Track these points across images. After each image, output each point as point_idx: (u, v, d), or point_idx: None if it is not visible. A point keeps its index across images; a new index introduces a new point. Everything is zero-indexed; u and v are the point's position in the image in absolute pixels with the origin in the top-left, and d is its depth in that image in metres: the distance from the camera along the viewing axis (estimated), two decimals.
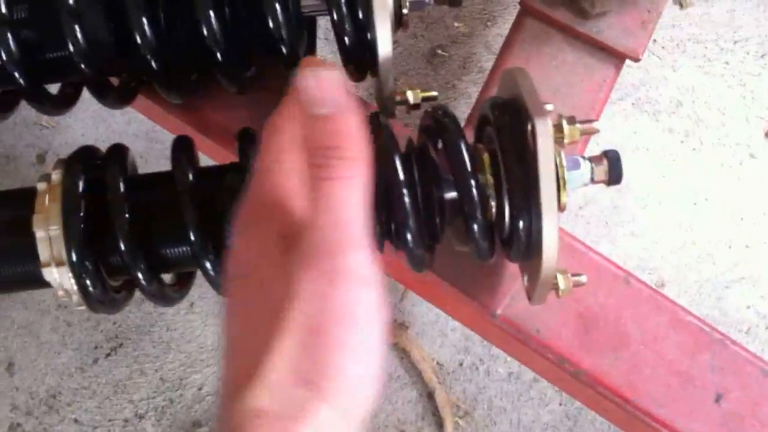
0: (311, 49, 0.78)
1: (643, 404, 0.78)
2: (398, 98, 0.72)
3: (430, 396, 1.22)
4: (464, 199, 0.62)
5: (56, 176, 0.65)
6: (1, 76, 0.68)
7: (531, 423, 1.22)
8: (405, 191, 0.61)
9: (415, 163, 0.64)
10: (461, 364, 1.24)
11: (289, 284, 0.47)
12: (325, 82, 0.51)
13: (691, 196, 1.36)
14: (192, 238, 0.62)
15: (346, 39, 0.69)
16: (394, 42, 0.73)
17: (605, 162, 0.66)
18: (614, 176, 0.66)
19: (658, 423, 0.77)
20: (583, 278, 0.69)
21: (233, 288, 0.51)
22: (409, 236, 0.62)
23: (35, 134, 1.25)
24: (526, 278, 0.70)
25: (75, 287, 0.63)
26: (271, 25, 0.67)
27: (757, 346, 1.27)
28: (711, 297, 1.29)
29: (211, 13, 0.65)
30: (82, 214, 0.62)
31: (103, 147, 0.68)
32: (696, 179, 1.37)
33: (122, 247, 0.62)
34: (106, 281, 0.65)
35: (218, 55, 0.67)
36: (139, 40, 0.66)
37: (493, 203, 0.64)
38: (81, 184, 0.63)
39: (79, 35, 0.66)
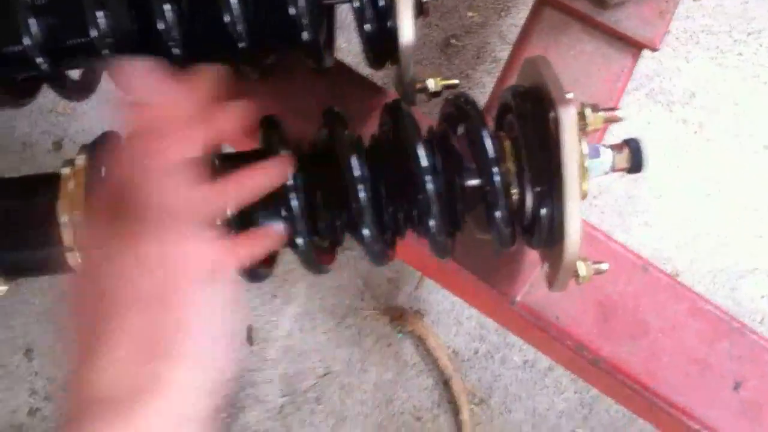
0: (330, 37, 0.78)
1: (662, 392, 0.78)
2: (419, 86, 0.72)
3: (445, 383, 1.23)
4: (487, 187, 0.62)
5: (80, 161, 0.65)
6: (24, 61, 0.69)
7: (546, 411, 1.23)
8: (429, 178, 0.61)
9: (437, 151, 0.65)
10: (476, 352, 1.25)
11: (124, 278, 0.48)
12: (136, 72, 0.55)
13: (704, 187, 1.36)
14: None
15: (368, 26, 0.69)
16: None
17: (626, 150, 0.66)
18: (636, 164, 0.66)
19: (676, 410, 0.78)
20: (604, 266, 0.69)
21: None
22: (432, 223, 0.62)
23: (51, 121, 1.26)
24: (546, 265, 0.70)
25: None
26: (293, 12, 0.67)
27: None
28: (725, 287, 1.30)
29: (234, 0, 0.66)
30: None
31: (120, 134, 0.69)
32: (709, 170, 1.37)
33: None
34: None
35: (240, 42, 0.68)
36: (161, 27, 0.66)
37: (514, 191, 0.64)
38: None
39: (101, 21, 0.66)
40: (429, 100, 0.73)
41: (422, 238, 0.67)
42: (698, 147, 1.38)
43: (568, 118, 0.57)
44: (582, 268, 0.66)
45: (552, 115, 0.59)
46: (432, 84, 0.72)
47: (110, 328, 0.47)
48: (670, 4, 0.84)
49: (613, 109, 0.61)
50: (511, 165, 0.64)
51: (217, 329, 0.49)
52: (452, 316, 1.26)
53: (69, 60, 0.71)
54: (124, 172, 0.53)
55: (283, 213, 0.63)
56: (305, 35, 0.68)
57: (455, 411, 1.22)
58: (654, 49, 0.84)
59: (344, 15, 0.74)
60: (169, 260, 0.49)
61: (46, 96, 0.72)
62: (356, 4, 0.68)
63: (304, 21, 0.67)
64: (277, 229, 0.62)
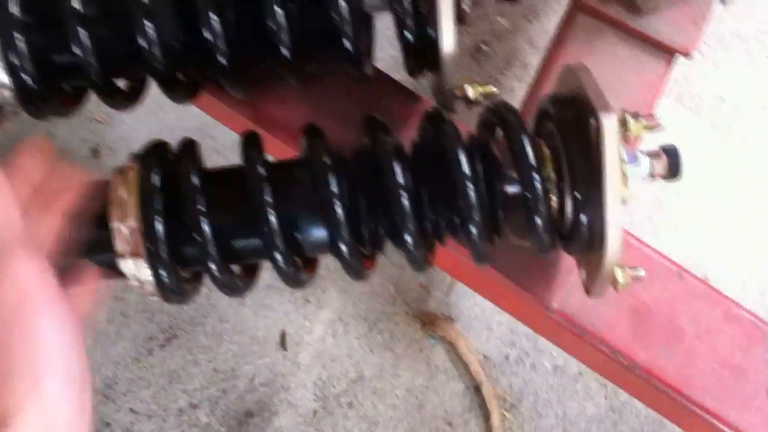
0: (369, 46, 0.79)
1: (696, 397, 0.78)
2: (458, 93, 0.73)
3: (476, 389, 1.24)
4: (528, 194, 0.62)
5: (132, 170, 0.67)
6: (75, 70, 0.70)
7: (576, 416, 1.23)
8: (470, 185, 0.62)
9: (477, 158, 0.66)
10: (507, 358, 1.26)
11: None
12: None
13: (734, 192, 1.36)
14: (264, 230, 0.64)
15: (408, 35, 0.70)
16: None
17: (664, 157, 0.67)
18: (673, 171, 0.67)
19: (710, 415, 0.78)
20: (641, 272, 0.69)
21: None
22: (474, 230, 0.63)
23: (89, 129, 1.28)
24: (584, 272, 0.71)
25: (150, 278, 0.65)
26: (336, 21, 0.68)
27: None
28: (755, 293, 1.30)
29: (279, 9, 0.67)
30: (158, 207, 0.64)
31: None
32: (738, 175, 1.37)
33: (198, 238, 0.64)
34: (179, 272, 0.66)
35: (284, 50, 0.69)
36: (209, 37, 0.68)
37: (553, 197, 0.65)
38: (157, 178, 0.65)
39: (150, 32, 0.68)
40: (468, 107, 0.74)
41: (462, 245, 0.68)
42: (727, 152, 1.39)
43: (610, 125, 0.58)
44: (620, 275, 0.67)
45: (593, 122, 0.60)
46: (471, 92, 0.73)
47: None
48: (703, 11, 0.85)
49: (653, 116, 0.62)
50: (550, 172, 0.65)
51: (62, 370, 0.49)
52: (483, 321, 1.27)
53: (119, 69, 0.73)
54: None
55: (328, 220, 0.64)
56: (347, 44, 0.70)
57: (486, 416, 1.23)
58: (687, 55, 0.85)
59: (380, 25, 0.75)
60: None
61: (84, 104, 0.74)
62: (397, 12, 0.69)
63: (347, 30, 0.69)
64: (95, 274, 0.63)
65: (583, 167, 0.62)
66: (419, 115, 0.83)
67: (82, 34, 0.68)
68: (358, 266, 0.67)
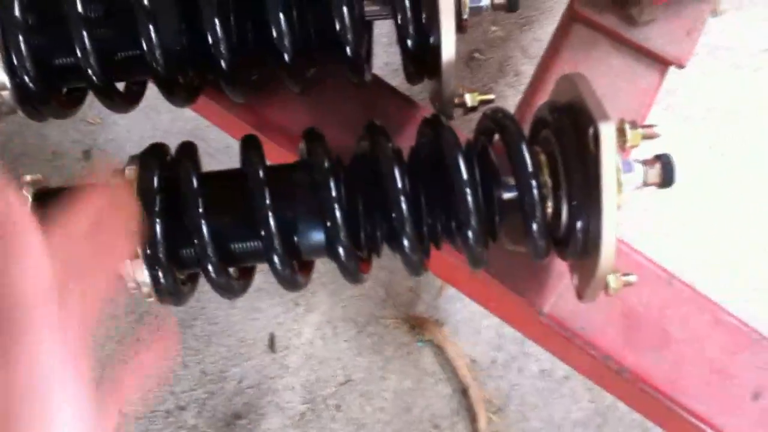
0: (369, 52, 0.80)
1: (683, 401, 0.80)
2: (457, 101, 0.74)
3: (464, 392, 1.25)
4: (525, 199, 0.64)
5: (130, 172, 0.67)
6: (75, 72, 0.71)
7: (562, 419, 1.25)
8: (469, 191, 0.64)
9: (475, 164, 0.67)
10: (494, 361, 1.27)
11: None
12: None
13: (721, 202, 1.38)
14: (262, 233, 0.64)
15: (409, 42, 0.71)
16: None
17: (658, 165, 0.68)
18: (667, 179, 0.68)
19: (697, 419, 0.80)
20: (633, 278, 0.71)
21: None
22: (471, 234, 0.64)
23: (81, 131, 1.28)
24: (576, 277, 0.72)
25: (148, 280, 0.65)
26: (338, 27, 0.69)
27: None
28: (741, 300, 1.31)
29: (281, 15, 0.68)
30: (157, 209, 0.64)
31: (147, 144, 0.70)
32: (725, 184, 1.39)
33: (196, 240, 0.64)
34: (176, 274, 0.67)
35: (285, 55, 0.70)
36: (211, 41, 0.68)
37: (549, 204, 0.66)
38: (156, 180, 0.66)
39: (153, 35, 0.68)
40: (466, 114, 0.75)
41: (458, 249, 0.69)
42: (714, 161, 1.41)
43: (607, 133, 0.60)
44: (612, 280, 0.68)
45: (591, 130, 0.61)
46: (469, 99, 0.74)
47: None
48: (697, 23, 0.87)
49: (651, 126, 0.63)
50: (546, 178, 0.66)
51: None
52: (471, 325, 1.28)
53: (120, 72, 0.73)
54: None
55: (327, 224, 0.65)
56: (349, 50, 0.70)
57: (473, 419, 1.24)
58: (681, 67, 0.87)
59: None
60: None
61: None
62: (399, 19, 0.70)
63: (349, 36, 0.69)
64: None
65: (579, 174, 0.63)
66: (416, 121, 0.84)
67: (85, 36, 0.68)
68: (355, 270, 0.68)
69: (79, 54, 0.69)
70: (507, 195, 0.67)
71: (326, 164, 0.66)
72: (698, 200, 1.38)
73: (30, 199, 0.68)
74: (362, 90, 0.81)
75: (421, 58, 0.72)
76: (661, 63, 0.87)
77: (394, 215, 0.64)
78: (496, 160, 0.68)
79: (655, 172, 0.68)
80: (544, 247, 0.66)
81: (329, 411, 1.23)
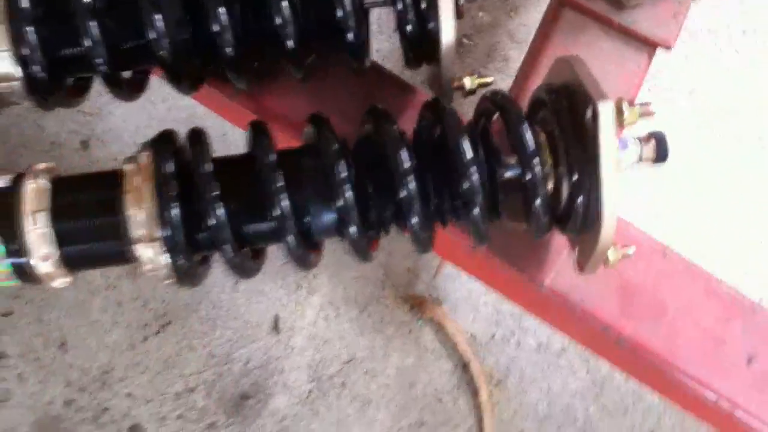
0: (367, 39, 0.82)
1: (681, 367, 0.83)
2: (456, 84, 0.76)
3: (464, 367, 1.29)
4: (528, 177, 0.66)
5: (145, 158, 0.69)
6: (83, 62, 0.72)
7: (560, 390, 1.29)
8: (473, 170, 0.66)
9: (478, 144, 0.69)
10: (493, 337, 1.31)
11: None
12: None
13: (704, 181, 1.42)
14: (276, 214, 0.67)
15: (409, 28, 0.73)
16: None
17: (652, 142, 0.71)
18: (661, 155, 0.71)
19: (694, 383, 0.83)
20: (630, 250, 0.74)
21: None
22: (476, 212, 0.67)
23: (78, 121, 1.30)
24: (577, 251, 0.75)
25: (166, 262, 0.67)
26: (339, 14, 0.71)
27: None
28: (734, 275, 1.35)
29: (285, 2, 0.70)
30: (173, 193, 0.66)
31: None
32: (707, 161, 1.43)
33: (213, 223, 0.66)
34: (192, 256, 0.69)
35: (289, 42, 0.71)
36: (217, 29, 0.70)
37: (550, 181, 0.69)
38: (171, 165, 0.67)
39: (158, 24, 0.70)
40: (465, 97, 0.77)
41: (462, 228, 0.72)
42: (698, 140, 1.44)
43: (606, 111, 0.62)
44: (611, 253, 0.71)
45: (590, 109, 0.63)
46: (468, 82, 0.76)
47: None
48: (683, 6, 0.90)
49: (647, 104, 0.66)
50: (547, 157, 0.68)
51: None
52: (469, 302, 1.32)
53: (127, 61, 0.75)
54: None
55: (338, 204, 0.67)
56: (351, 37, 0.72)
57: (474, 392, 1.28)
58: (668, 48, 0.89)
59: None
60: None
61: None
62: (399, 6, 0.72)
63: (351, 23, 0.72)
64: None
65: (579, 152, 0.66)
66: (413, 104, 0.87)
67: (93, 26, 0.70)
68: (365, 248, 0.70)
69: (89, 44, 0.70)
70: (509, 174, 0.69)
71: (335, 147, 0.68)
72: (683, 179, 1.41)
73: (50, 186, 0.69)
74: (360, 77, 0.83)
75: (421, 43, 0.74)
76: (649, 45, 0.90)
77: (403, 195, 0.66)
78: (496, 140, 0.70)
79: (650, 148, 0.71)
80: (547, 223, 0.69)
81: (335, 389, 1.27)
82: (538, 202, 0.67)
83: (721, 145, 1.45)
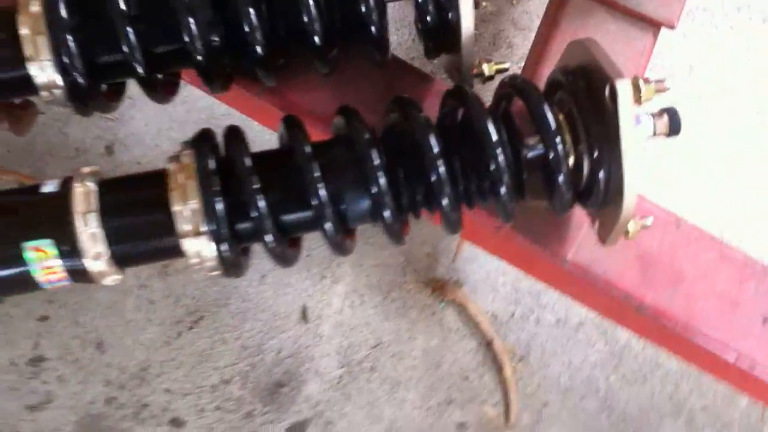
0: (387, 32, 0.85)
1: (700, 330, 0.87)
2: (475, 71, 0.80)
3: (488, 345, 1.33)
4: (551, 155, 0.70)
5: (186, 156, 0.72)
6: (121, 67, 0.76)
7: (581, 363, 1.34)
8: (500, 151, 0.70)
9: (502, 126, 0.73)
10: (513, 315, 1.35)
11: None
12: None
13: (705, 159, 1.46)
14: (315, 203, 0.70)
15: (429, 19, 0.77)
16: None
17: (665, 117, 0.75)
18: (674, 128, 0.75)
19: (714, 346, 0.87)
20: (648, 221, 0.78)
21: None
22: (505, 191, 0.71)
23: (101, 127, 1.33)
24: (597, 224, 0.78)
25: (212, 254, 0.71)
26: (363, 9, 0.75)
27: None
28: (736, 241, 1.39)
29: (312, 1, 0.73)
30: (216, 188, 0.70)
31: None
32: (708, 136, 1.47)
33: (255, 214, 0.70)
34: (237, 247, 0.73)
35: (316, 38, 0.75)
36: (247, 29, 0.73)
37: (570, 159, 0.72)
38: (212, 161, 0.71)
39: (193, 27, 0.73)
40: (484, 83, 0.81)
41: (488, 209, 0.75)
42: (697, 119, 1.48)
43: (624, 89, 0.66)
44: (631, 225, 0.75)
45: (608, 87, 0.67)
46: (486, 69, 0.80)
47: None
48: None
49: (662, 81, 0.70)
50: (567, 136, 0.72)
51: None
52: (488, 283, 1.36)
53: (162, 64, 0.78)
54: None
55: (373, 190, 0.71)
56: (374, 30, 0.76)
57: (498, 369, 1.33)
58: (672, 27, 0.93)
59: None
60: None
61: None
62: None
63: (374, 17, 0.75)
64: None
65: (598, 129, 0.69)
66: (432, 93, 0.90)
67: (130, 32, 0.73)
68: (399, 231, 0.74)
69: (126, 49, 0.73)
70: (531, 153, 0.73)
71: (367, 136, 0.72)
72: (682, 159, 1.45)
73: (97, 189, 0.72)
74: (380, 69, 0.86)
75: (440, 34, 0.78)
76: (653, 26, 0.93)
77: (434, 178, 0.70)
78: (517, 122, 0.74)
79: (663, 122, 0.75)
80: (570, 199, 0.73)
81: (365, 373, 1.31)
82: (561, 178, 0.70)
83: (721, 118, 1.49)
